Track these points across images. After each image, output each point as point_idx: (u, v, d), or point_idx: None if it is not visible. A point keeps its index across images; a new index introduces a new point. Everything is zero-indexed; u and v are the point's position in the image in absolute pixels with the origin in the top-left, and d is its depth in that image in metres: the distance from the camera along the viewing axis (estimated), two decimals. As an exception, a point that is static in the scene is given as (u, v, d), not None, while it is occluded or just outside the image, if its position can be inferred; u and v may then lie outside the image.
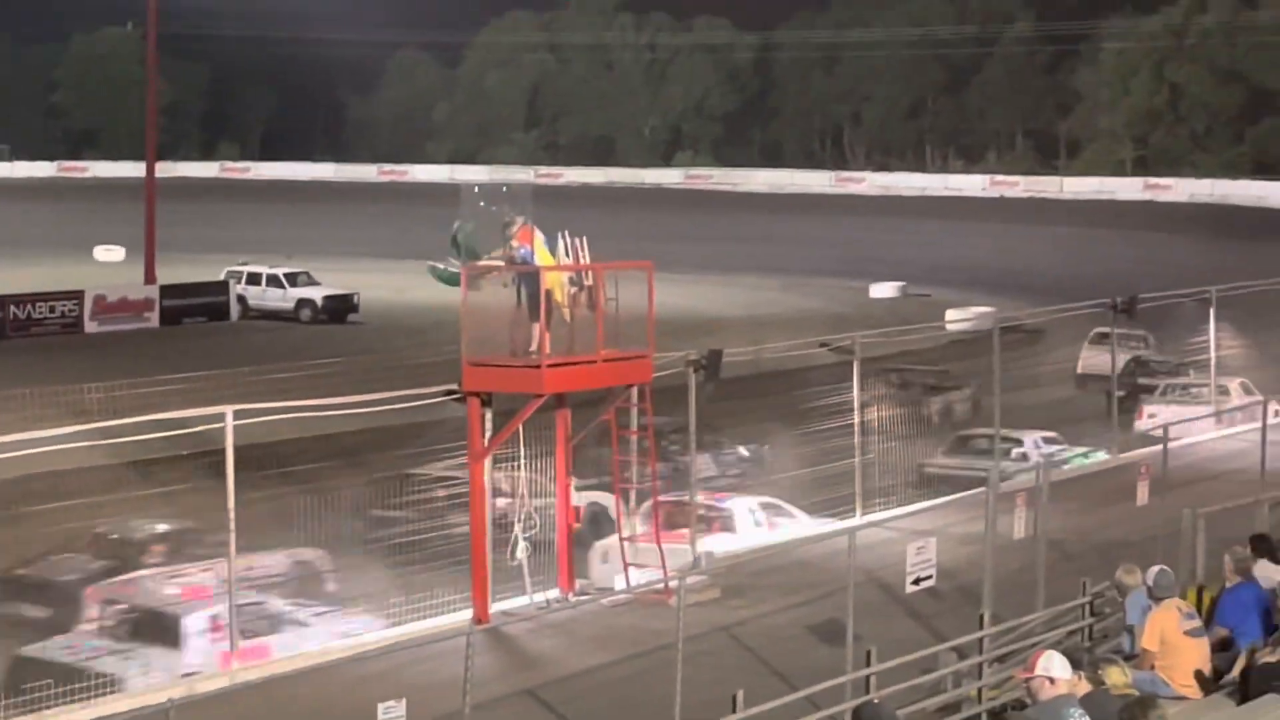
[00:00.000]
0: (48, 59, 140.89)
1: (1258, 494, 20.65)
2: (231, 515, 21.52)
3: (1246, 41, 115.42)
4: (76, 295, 64.88)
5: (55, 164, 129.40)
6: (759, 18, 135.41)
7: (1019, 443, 35.34)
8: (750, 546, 27.39)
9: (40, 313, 63.31)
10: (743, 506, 28.23)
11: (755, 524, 27.65)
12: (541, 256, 24.41)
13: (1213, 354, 40.98)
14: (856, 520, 29.06)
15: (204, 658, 21.37)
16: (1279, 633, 15.62)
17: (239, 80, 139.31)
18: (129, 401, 36.89)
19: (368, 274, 79.01)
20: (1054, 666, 12.35)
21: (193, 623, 21.47)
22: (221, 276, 70.57)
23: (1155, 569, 16.66)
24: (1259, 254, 76.58)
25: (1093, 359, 45.24)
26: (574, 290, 24.47)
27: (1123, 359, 42.67)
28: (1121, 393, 39.11)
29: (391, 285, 76.56)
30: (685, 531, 26.41)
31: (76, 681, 19.54)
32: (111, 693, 19.86)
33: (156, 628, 21.42)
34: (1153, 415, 38.39)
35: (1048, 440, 36.43)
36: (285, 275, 69.46)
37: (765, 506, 28.41)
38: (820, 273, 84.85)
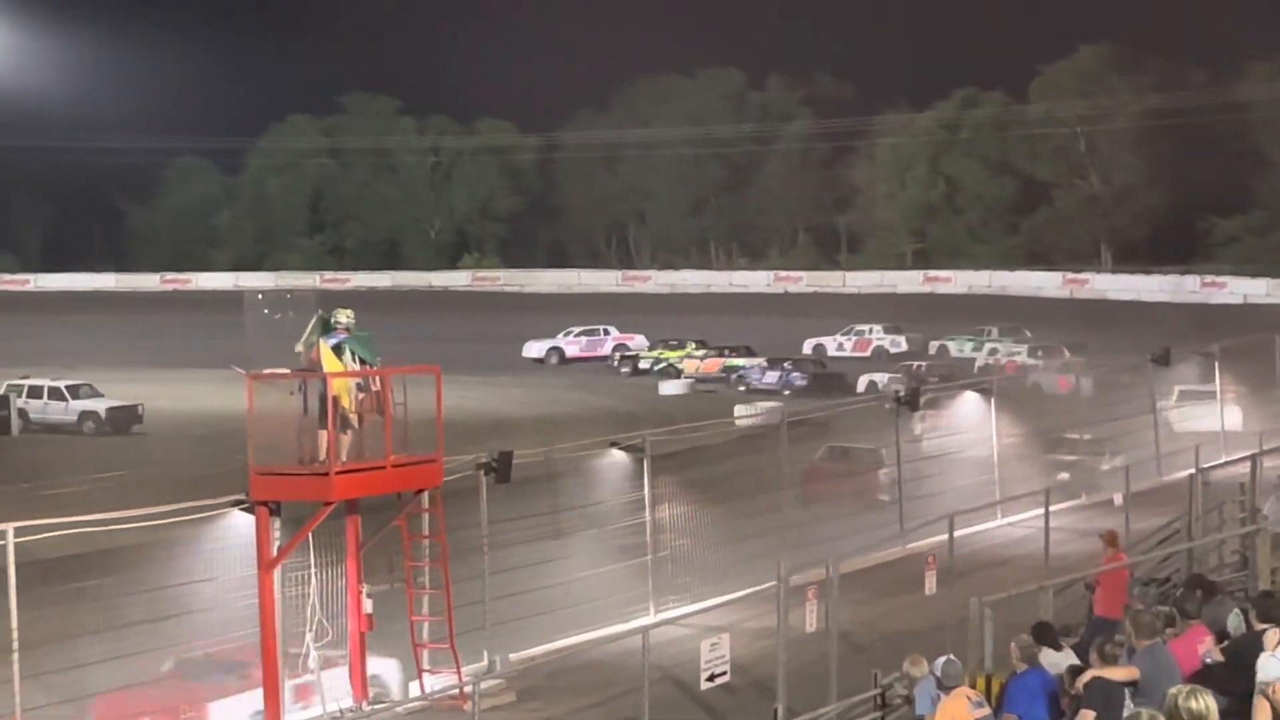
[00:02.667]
0: None
1: (1041, 580, 20.97)
2: (15, 635, 21.12)
3: (1018, 135, 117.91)
4: None
5: None
6: (541, 119, 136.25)
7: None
8: (545, 648, 27.38)
9: None
10: None
11: None
12: (328, 363, 24.31)
13: (995, 443, 41.63)
14: (650, 618, 29.13)
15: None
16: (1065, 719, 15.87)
17: (15, 191, 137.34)
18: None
19: (151, 384, 78.09)
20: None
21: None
22: (1, 391, 69.37)
23: (942, 659, 16.86)
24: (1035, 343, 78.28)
25: None
26: (361, 395, 24.38)
27: None
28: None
29: (176, 395, 75.72)
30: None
31: None
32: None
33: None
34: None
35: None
36: (67, 388, 68.44)
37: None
38: (609, 371, 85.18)
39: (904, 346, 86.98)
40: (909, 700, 18.17)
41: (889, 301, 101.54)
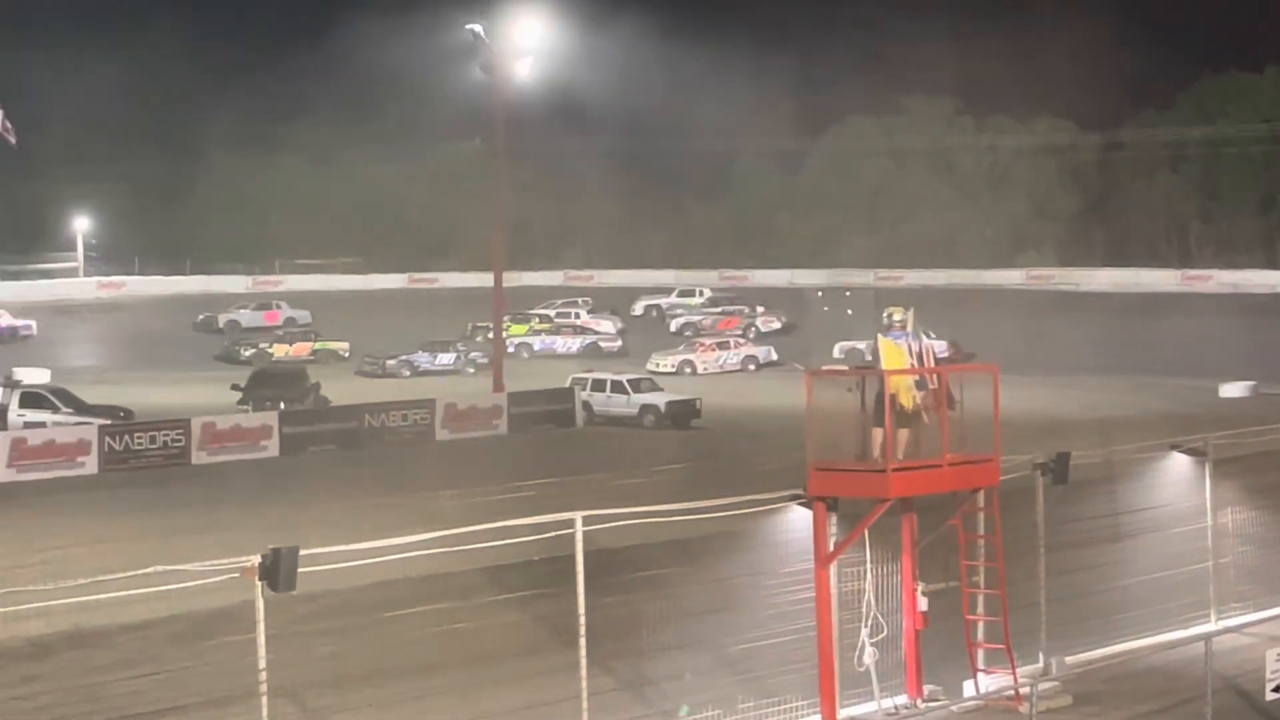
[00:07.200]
0: (400, 175, 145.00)
1: None
2: (582, 621, 21.78)
3: None
4: (428, 404, 66.41)
5: (406, 275, 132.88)
6: (1102, 117, 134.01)
7: None
8: (1103, 651, 26.98)
9: (394, 422, 64.93)
10: None
11: None
12: (889, 359, 24.37)
13: None
14: (1212, 626, 28.43)
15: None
16: None
17: (582, 189, 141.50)
18: (480, 508, 37.63)
19: (708, 380, 79.75)
20: None
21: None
22: (567, 384, 71.86)
23: None
24: None
25: None
26: (920, 394, 24.39)
27: None
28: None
29: (732, 390, 77.17)
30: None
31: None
32: None
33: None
34: None
35: None
36: (629, 382, 70.42)
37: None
38: (1167, 372, 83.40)
39: None
40: None
41: None
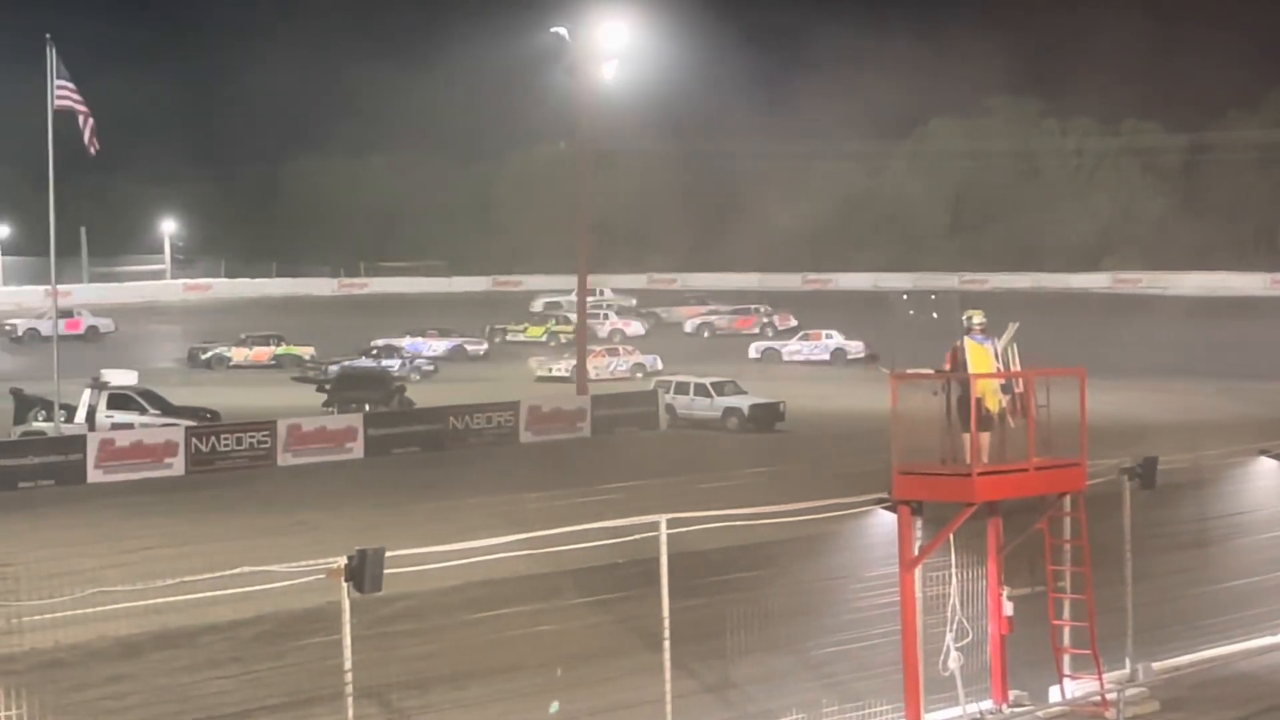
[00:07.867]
0: (484, 178, 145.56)
1: None
2: (666, 623, 21.78)
3: None
4: (512, 406, 66.53)
5: (490, 279, 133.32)
6: (1188, 119, 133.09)
7: None
8: (1191, 657, 26.80)
9: (478, 424, 65.09)
10: None
11: None
12: (976, 363, 24.24)
13: None
14: (1300, 632, 28.25)
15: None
16: None
17: (666, 193, 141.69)
18: (564, 510, 37.71)
19: (791, 382, 79.63)
20: None
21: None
22: (650, 387, 71.94)
23: None
24: None
25: None
26: (1005, 398, 24.27)
27: None
28: None
29: (816, 393, 77.06)
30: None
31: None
32: None
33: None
34: None
35: None
36: (713, 384, 70.30)
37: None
38: (1255, 376, 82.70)
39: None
40: None
41: None
